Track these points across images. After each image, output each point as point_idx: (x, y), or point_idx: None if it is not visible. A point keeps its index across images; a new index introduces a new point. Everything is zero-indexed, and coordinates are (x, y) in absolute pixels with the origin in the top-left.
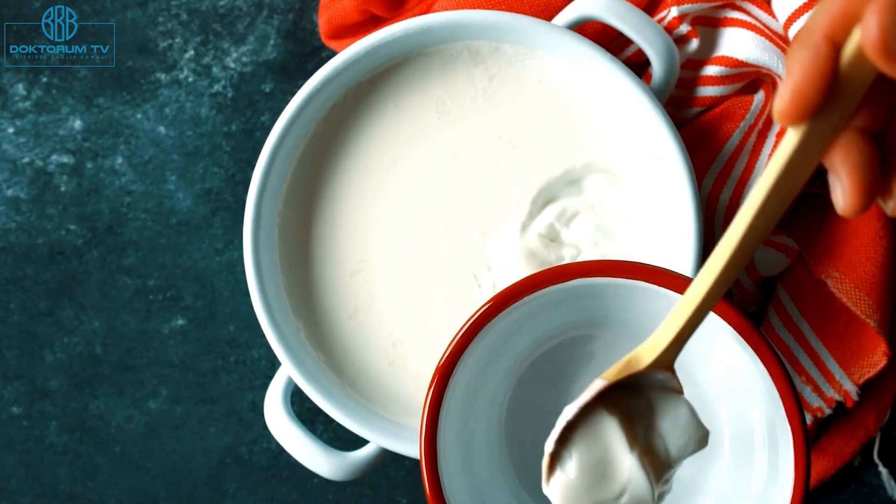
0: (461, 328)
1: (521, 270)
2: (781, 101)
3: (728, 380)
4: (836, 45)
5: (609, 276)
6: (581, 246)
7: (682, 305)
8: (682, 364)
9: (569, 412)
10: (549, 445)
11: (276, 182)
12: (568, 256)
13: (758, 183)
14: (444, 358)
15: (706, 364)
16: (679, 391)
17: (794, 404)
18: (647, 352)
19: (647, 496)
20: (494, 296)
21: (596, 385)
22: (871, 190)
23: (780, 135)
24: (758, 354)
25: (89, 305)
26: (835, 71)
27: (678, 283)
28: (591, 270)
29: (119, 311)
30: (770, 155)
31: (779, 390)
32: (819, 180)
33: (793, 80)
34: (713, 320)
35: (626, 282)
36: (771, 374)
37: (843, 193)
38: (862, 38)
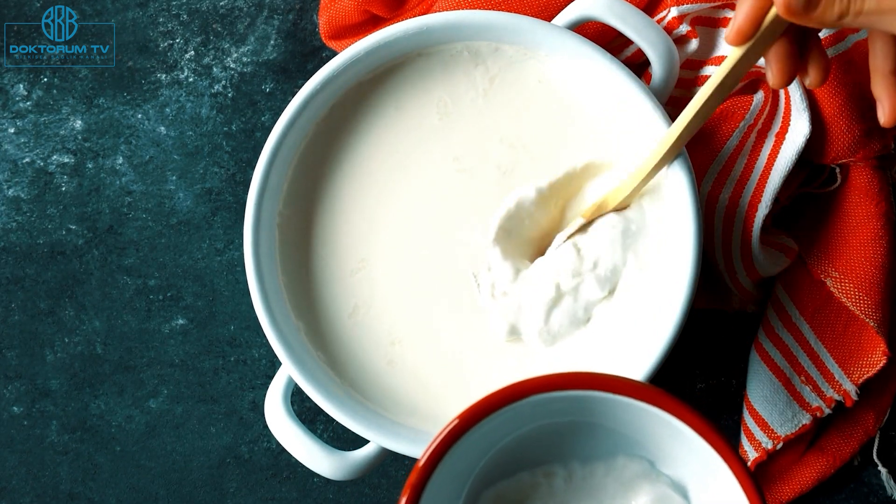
0: (433, 441)
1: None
2: (731, 32)
3: (691, 474)
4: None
5: (575, 389)
6: (581, 246)
7: (643, 165)
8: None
9: (559, 240)
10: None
11: (276, 182)
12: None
13: (711, 77)
14: (424, 459)
15: (676, 459)
16: (643, 218)
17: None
18: (612, 199)
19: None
20: (474, 404)
21: (577, 223)
22: (791, 71)
23: (780, 135)
24: (710, 443)
25: (90, 305)
26: (764, 16)
27: (643, 393)
28: (564, 383)
29: (119, 310)
30: (770, 155)
31: (738, 479)
32: (819, 180)
33: (738, 18)
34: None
35: (598, 394)
36: (728, 464)
37: (771, 74)
38: (775, 2)
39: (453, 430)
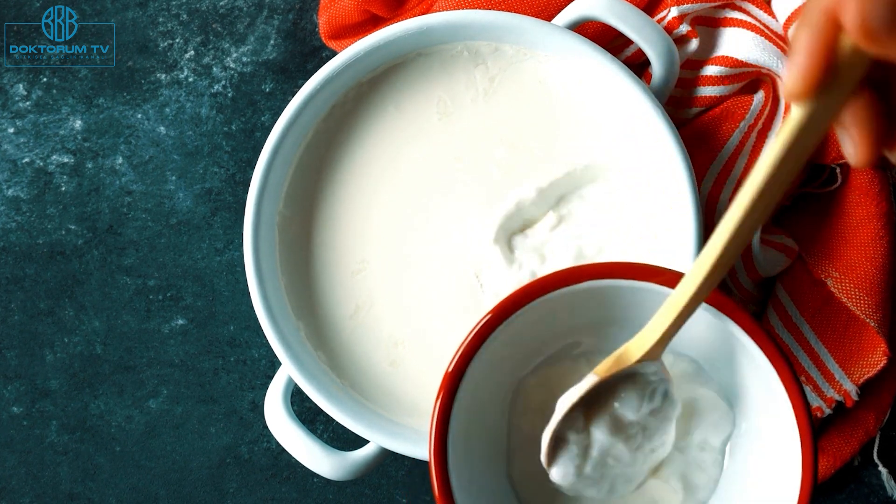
0: (472, 329)
1: (529, 266)
2: (789, 79)
3: (739, 383)
4: (835, 22)
5: (615, 277)
6: (583, 245)
7: (671, 302)
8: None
9: (563, 406)
10: (546, 438)
11: (276, 182)
12: (571, 256)
13: (759, 163)
14: (454, 362)
15: (724, 366)
16: (668, 378)
17: (802, 408)
18: (636, 348)
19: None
20: (506, 297)
21: (588, 380)
22: (879, 141)
23: None
24: (766, 354)
25: (89, 305)
26: (836, 47)
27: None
28: (595, 273)
29: (119, 310)
30: None
31: (787, 391)
32: (819, 180)
33: (798, 58)
34: (729, 328)
35: (631, 283)
36: (780, 375)
37: (853, 147)
38: (844, 23)
39: (497, 313)
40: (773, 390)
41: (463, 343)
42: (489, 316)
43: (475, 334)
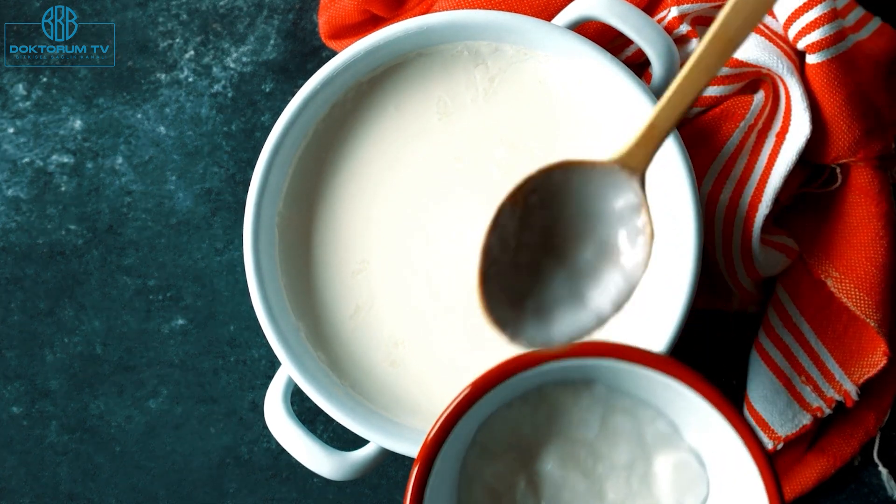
0: (450, 404)
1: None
2: None
3: (710, 446)
4: None
5: (602, 357)
6: None
7: (663, 99)
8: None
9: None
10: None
11: (276, 182)
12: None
13: None
14: (433, 433)
15: (696, 428)
16: (644, 205)
17: (771, 479)
18: (615, 155)
19: None
20: (486, 371)
21: (552, 162)
22: None
23: (781, 135)
24: (731, 423)
25: (89, 305)
26: None
27: (656, 362)
28: (571, 353)
29: (119, 311)
30: (770, 155)
31: (754, 458)
32: (819, 180)
33: None
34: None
35: (618, 364)
36: (746, 444)
37: None
38: None
39: (466, 398)
40: (741, 455)
41: (440, 418)
42: (468, 390)
43: (453, 410)
